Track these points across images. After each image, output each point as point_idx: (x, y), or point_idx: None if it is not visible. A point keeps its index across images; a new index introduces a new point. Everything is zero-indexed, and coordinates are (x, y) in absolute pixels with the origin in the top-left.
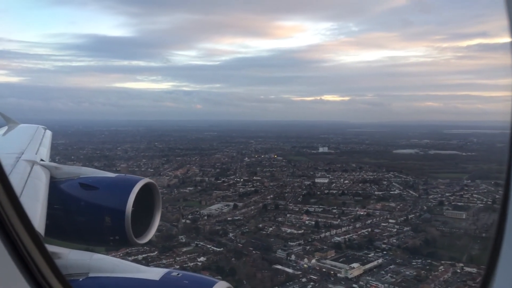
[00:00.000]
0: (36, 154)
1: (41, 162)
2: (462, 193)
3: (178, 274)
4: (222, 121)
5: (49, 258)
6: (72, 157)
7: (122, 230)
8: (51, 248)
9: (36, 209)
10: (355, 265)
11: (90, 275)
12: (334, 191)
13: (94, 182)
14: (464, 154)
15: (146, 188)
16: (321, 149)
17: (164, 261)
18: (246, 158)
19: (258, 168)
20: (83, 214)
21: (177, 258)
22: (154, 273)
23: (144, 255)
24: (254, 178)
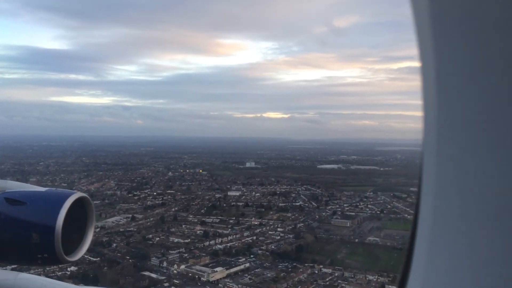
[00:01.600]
0: None
1: None
2: (358, 203)
3: None
4: (163, 137)
5: None
6: None
7: (52, 247)
8: None
9: None
10: (218, 269)
11: None
12: (240, 204)
13: (21, 197)
14: (381, 169)
15: (79, 202)
16: (248, 164)
17: (31, 271)
18: (170, 173)
19: (177, 182)
20: (8, 230)
21: (47, 268)
22: None
23: (13, 266)
24: (168, 191)
